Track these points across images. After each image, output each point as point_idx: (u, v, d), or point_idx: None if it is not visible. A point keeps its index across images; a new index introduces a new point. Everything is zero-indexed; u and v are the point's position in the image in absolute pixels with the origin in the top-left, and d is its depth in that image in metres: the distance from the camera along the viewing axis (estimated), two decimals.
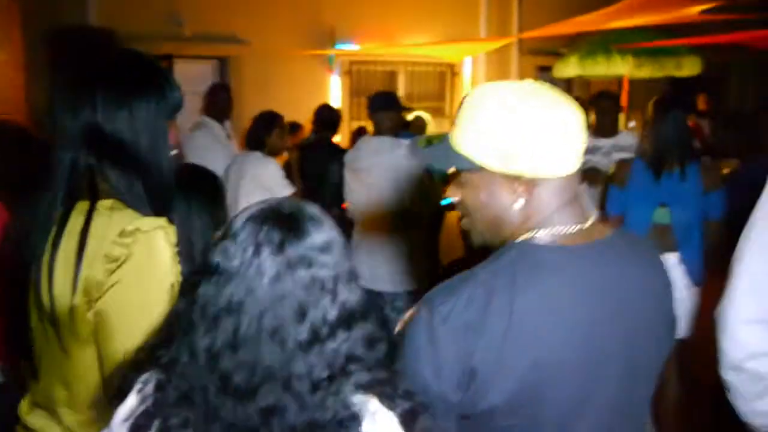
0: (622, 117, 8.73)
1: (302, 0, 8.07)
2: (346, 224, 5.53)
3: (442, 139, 1.37)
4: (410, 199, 4.02)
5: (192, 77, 7.56)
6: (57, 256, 1.43)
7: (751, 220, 1.57)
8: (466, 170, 1.33)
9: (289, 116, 5.99)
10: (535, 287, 1.22)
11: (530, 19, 9.72)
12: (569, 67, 8.72)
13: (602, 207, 4.34)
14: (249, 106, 7.37)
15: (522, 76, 10.11)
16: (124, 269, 1.42)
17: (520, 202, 1.29)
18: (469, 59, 9.73)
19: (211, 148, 5.12)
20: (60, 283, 1.43)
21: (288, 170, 4.92)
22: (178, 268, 1.50)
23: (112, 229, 1.43)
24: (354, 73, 8.83)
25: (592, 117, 4.56)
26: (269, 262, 1.08)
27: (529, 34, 8.83)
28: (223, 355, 1.06)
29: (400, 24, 8.74)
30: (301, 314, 1.07)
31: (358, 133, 7.12)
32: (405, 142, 4.30)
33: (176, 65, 7.42)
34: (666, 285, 1.43)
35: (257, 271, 1.07)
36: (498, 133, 1.26)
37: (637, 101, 10.36)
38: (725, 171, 8.41)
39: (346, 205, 5.68)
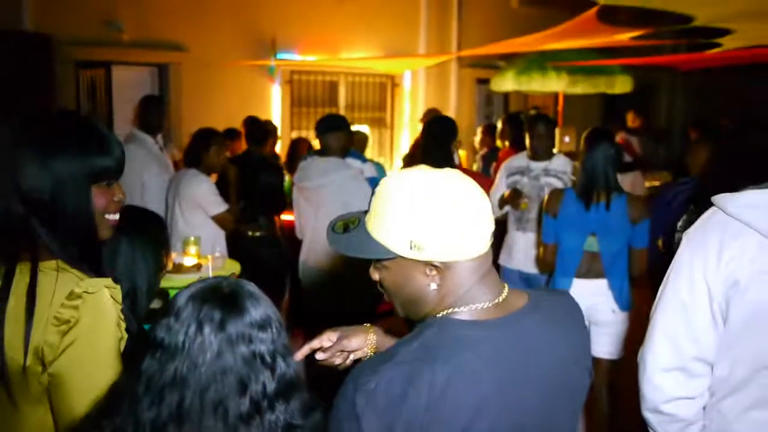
0: (557, 131, 9.01)
1: (244, 8, 8.02)
2: (285, 240, 5.59)
3: (358, 223, 1.43)
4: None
5: (131, 84, 7.49)
6: (5, 317, 1.45)
7: (667, 274, 1.70)
8: (382, 258, 1.39)
9: (229, 125, 6.02)
10: (454, 363, 1.28)
11: (469, 36, 9.93)
12: (506, 82, 8.93)
13: (524, 227, 4.51)
14: (189, 115, 7.35)
15: (461, 88, 10.31)
16: (75, 331, 1.45)
17: (434, 285, 1.35)
18: (409, 71, 9.88)
19: (145, 162, 5.02)
20: (10, 344, 1.45)
21: (226, 185, 4.92)
22: (124, 325, 1.55)
23: (59, 291, 1.46)
24: (295, 82, 8.84)
25: (528, 139, 4.69)
26: (211, 339, 1.14)
27: (467, 53, 9.03)
28: (167, 427, 1.12)
29: (341, 35, 8.80)
30: (243, 388, 1.14)
31: (296, 144, 7.16)
32: (352, 162, 4.38)
33: (114, 72, 7.34)
34: (584, 336, 1.50)
35: (200, 348, 1.13)
36: (409, 223, 1.32)
37: (572, 117, 10.70)
38: (656, 183, 8.81)
39: (289, 220, 5.75)
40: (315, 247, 4.33)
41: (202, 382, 1.12)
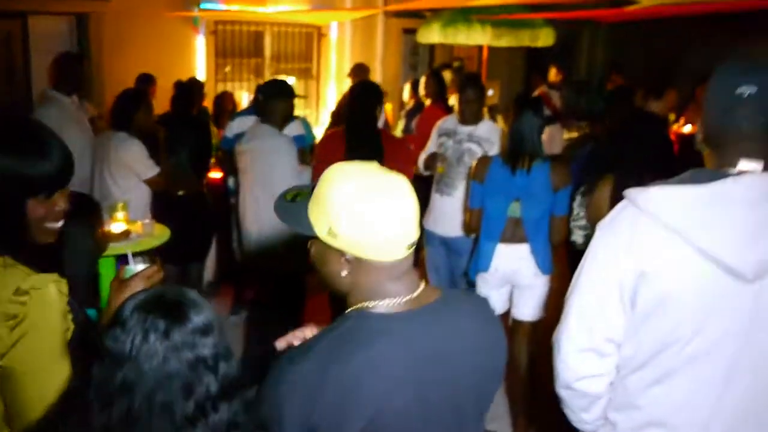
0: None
1: None
2: (212, 197, 5.60)
3: (305, 197, 1.53)
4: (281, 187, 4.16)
5: (49, 35, 7.19)
6: None
7: (581, 262, 1.84)
8: (307, 234, 1.50)
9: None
10: (368, 352, 1.41)
11: None
12: (432, 34, 8.95)
13: (443, 190, 4.63)
14: (111, 68, 7.15)
15: (387, 38, 10.29)
16: (24, 326, 1.51)
17: (345, 272, 1.47)
18: (336, 22, 9.79)
19: (63, 125, 4.77)
20: None
21: (156, 147, 4.87)
22: (70, 316, 1.60)
23: (6, 287, 1.51)
24: (219, 33, 8.65)
25: (456, 102, 4.77)
26: (157, 346, 1.21)
27: (393, 7, 9.00)
28: (117, 430, 1.19)
29: None
30: (188, 391, 1.22)
31: (221, 99, 7.09)
32: (284, 135, 4.43)
33: (31, 22, 7.02)
34: (495, 336, 1.62)
35: (146, 356, 1.20)
36: (332, 213, 1.43)
37: (496, 69, 10.82)
38: (574, 135, 9.06)
39: (216, 177, 5.74)
40: (248, 208, 4.41)
41: (150, 388, 1.19)
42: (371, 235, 1.42)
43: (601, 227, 1.83)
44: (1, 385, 1.54)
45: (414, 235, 1.47)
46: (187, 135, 5.22)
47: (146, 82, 6.41)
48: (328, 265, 1.50)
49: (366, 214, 1.41)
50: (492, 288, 3.84)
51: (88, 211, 2.13)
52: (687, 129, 6.79)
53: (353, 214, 1.41)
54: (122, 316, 1.24)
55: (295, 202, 1.56)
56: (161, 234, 4.29)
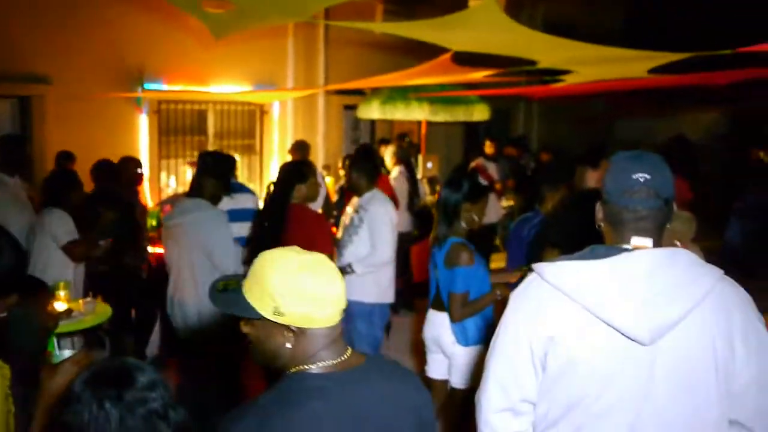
0: (420, 158, 9.44)
1: (109, 40, 7.91)
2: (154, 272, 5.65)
3: (238, 284, 1.71)
4: (214, 258, 4.29)
5: None
6: None
7: (497, 329, 2.01)
8: (251, 317, 1.67)
9: (96, 158, 5.98)
10: (302, 410, 1.57)
11: (336, 68, 10.24)
12: (372, 110, 9.31)
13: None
14: (53, 148, 7.17)
15: (328, 115, 10.59)
16: None
17: (289, 345, 1.65)
18: (277, 101, 10.05)
19: (6, 205, 4.91)
20: None
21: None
22: (11, 399, 1.69)
23: None
24: (163, 112, 8.79)
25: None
26: (112, 411, 1.36)
27: (333, 87, 9.33)
28: None
29: (209, 66, 8.84)
30: None
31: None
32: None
33: None
34: (421, 392, 1.81)
35: (105, 420, 1.35)
36: (275, 293, 1.61)
37: (435, 143, 11.20)
38: (511, 203, 9.38)
39: (159, 252, 5.80)
40: (179, 284, 4.46)
41: None
42: (315, 307, 1.62)
43: (514, 297, 2.01)
44: None
45: (343, 302, 1.68)
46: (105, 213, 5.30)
47: (68, 159, 6.53)
48: (271, 340, 1.67)
49: (308, 290, 1.61)
50: (430, 352, 4.01)
51: (35, 291, 2.21)
52: None
53: (297, 292, 1.61)
54: (75, 392, 1.38)
55: (227, 291, 1.74)
56: (103, 312, 4.33)
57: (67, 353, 1.95)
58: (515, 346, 1.94)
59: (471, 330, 3.75)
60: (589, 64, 5.81)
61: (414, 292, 7.78)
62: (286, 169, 4.57)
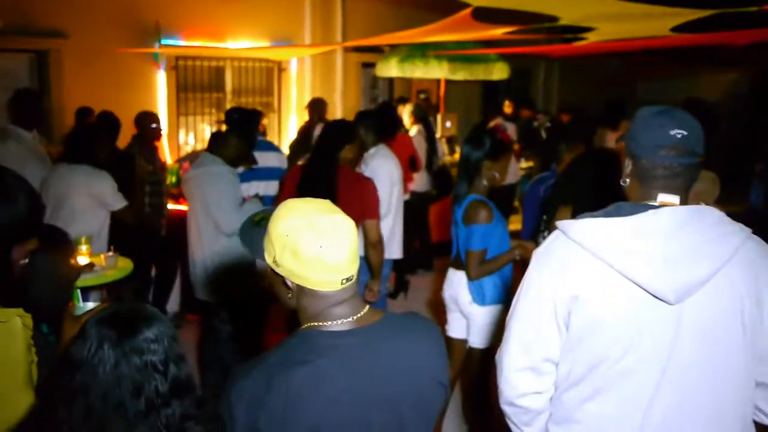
0: (439, 117, 9.37)
1: None
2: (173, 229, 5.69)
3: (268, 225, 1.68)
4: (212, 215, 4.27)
5: (8, 72, 7.24)
6: None
7: (519, 288, 2.00)
8: (262, 260, 1.68)
9: (115, 113, 5.96)
10: (310, 366, 1.57)
11: (353, 23, 10.11)
12: (390, 68, 9.22)
13: None
14: (70, 104, 7.18)
15: (346, 72, 10.50)
16: None
17: (290, 295, 1.66)
18: (295, 57, 9.97)
19: (26, 159, 4.91)
20: None
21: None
22: (34, 349, 1.71)
23: None
24: (180, 68, 8.75)
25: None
26: (109, 353, 1.38)
27: (351, 43, 9.22)
28: (78, 425, 1.35)
29: (226, 21, 8.78)
30: (137, 391, 1.37)
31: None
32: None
33: None
34: (435, 353, 1.75)
35: (100, 361, 1.37)
36: (277, 245, 1.60)
37: (454, 102, 11.11)
38: (531, 164, 9.32)
39: (176, 209, 5.84)
40: (190, 239, 4.48)
41: (103, 388, 1.36)
42: (306, 270, 1.59)
43: (536, 255, 1.99)
44: None
45: (347, 272, 1.62)
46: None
47: (87, 114, 6.49)
48: (277, 287, 1.69)
49: (303, 252, 1.57)
50: (449, 311, 3.99)
51: (58, 242, 2.22)
52: None
53: (292, 250, 1.58)
54: (84, 328, 1.41)
55: (259, 225, 1.73)
56: (124, 267, 4.35)
57: (90, 305, 1.96)
58: (538, 305, 1.93)
59: (488, 289, 3.72)
60: (612, 21, 5.70)
61: (433, 252, 7.79)
62: (334, 127, 4.33)
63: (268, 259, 1.64)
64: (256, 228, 1.74)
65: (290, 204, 1.64)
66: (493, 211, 3.66)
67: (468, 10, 5.70)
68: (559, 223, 1.94)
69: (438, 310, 6.14)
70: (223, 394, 1.59)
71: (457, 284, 3.83)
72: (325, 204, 1.66)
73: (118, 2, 7.85)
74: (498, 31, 6.51)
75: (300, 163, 4.82)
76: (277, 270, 1.62)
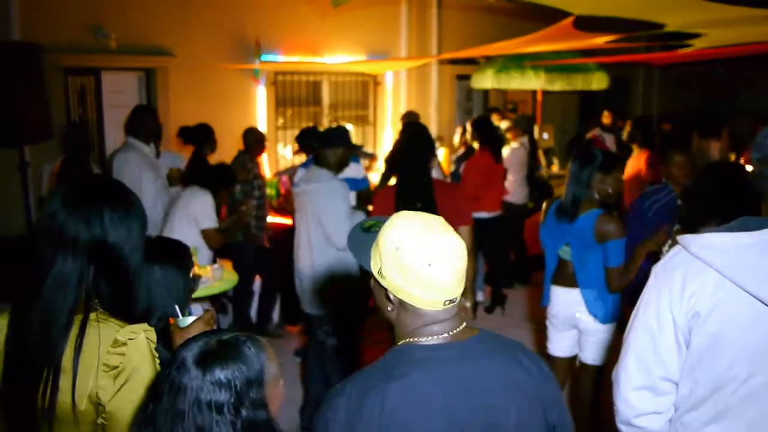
0: (536, 129, 9.24)
1: (228, 12, 8.12)
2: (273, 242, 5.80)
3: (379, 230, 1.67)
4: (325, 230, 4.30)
5: (119, 89, 7.62)
6: (78, 365, 1.67)
7: (638, 304, 1.93)
8: (368, 269, 1.67)
9: (216, 127, 6.15)
10: (406, 381, 1.55)
11: (449, 36, 10.11)
12: (486, 80, 9.15)
13: None
14: (175, 118, 7.46)
15: (441, 85, 10.50)
16: (125, 374, 1.69)
17: (391, 308, 1.64)
18: (391, 71, 10.06)
19: (144, 169, 5.22)
20: (64, 390, 1.68)
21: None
22: (158, 361, 1.77)
23: (104, 340, 1.69)
24: (279, 83, 8.97)
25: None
26: (176, 387, 1.42)
27: (447, 56, 9.21)
28: None
29: (324, 37, 8.93)
30: (198, 429, 1.40)
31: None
32: (338, 179, 4.53)
33: (104, 77, 7.44)
34: (526, 372, 1.66)
35: (169, 390, 1.42)
36: (384, 258, 1.59)
37: (550, 113, 10.93)
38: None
39: (277, 222, 5.95)
40: (298, 252, 4.52)
41: (166, 423, 1.41)
42: (411, 287, 1.57)
43: (656, 271, 1.91)
44: (98, 426, 1.70)
45: (452, 294, 1.60)
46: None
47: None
48: (379, 298, 1.68)
49: (410, 268, 1.56)
50: (557, 331, 3.88)
51: (181, 255, 2.30)
52: (749, 168, 6.76)
53: (400, 265, 1.57)
54: (176, 358, 1.46)
55: (369, 233, 1.73)
56: (230, 279, 4.47)
57: (189, 320, 2.01)
58: (658, 321, 1.85)
59: (613, 307, 3.65)
60: (720, 27, 5.48)
61: (529, 265, 7.67)
62: (414, 140, 4.16)
63: (374, 269, 1.63)
64: (365, 234, 1.73)
65: (403, 217, 1.63)
66: (622, 223, 3.61)
67: (570, 20, 5.59)
68: (680, 238, 1.87)
69: (537, 326, 6.04)
70: (319, 413, 1.59)
71: (573, 304, 3.73)
72: (437, 221, 1.64)
73: (221, 21, 8.12)
74: (599, 40, 6.36)
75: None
76: (381, 282, 1.61)
